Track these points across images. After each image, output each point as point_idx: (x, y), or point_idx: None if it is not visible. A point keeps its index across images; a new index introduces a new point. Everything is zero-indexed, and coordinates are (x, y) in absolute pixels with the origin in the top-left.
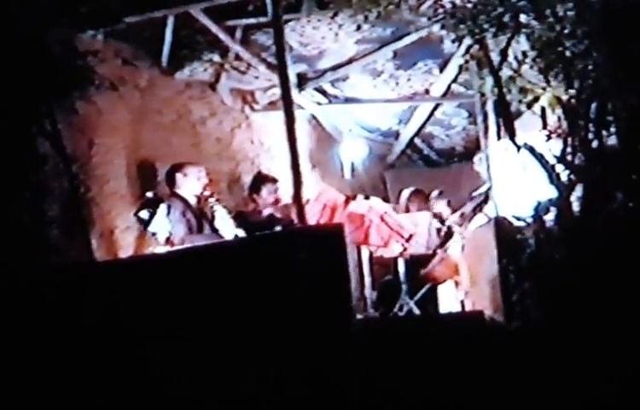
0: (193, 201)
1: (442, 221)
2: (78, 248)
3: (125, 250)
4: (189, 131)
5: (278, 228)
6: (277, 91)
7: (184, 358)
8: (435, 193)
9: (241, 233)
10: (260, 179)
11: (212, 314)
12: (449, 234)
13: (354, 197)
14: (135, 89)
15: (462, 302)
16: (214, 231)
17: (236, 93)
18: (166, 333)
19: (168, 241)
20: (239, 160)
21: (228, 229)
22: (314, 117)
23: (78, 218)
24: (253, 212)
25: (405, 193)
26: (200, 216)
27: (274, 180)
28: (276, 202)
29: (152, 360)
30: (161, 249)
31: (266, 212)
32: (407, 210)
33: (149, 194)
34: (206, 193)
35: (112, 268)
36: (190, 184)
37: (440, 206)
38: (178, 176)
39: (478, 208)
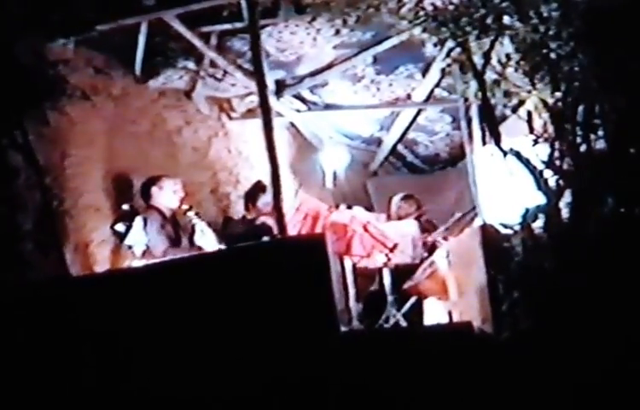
0: (169, 214)
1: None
2: (52, 264)
3: (101, 265)
4: (164, 141)
5: (265, 238)
6: (255, 99)
7: (164, 377)
8: (398, 196)
9: (223, 247)
10: (258, 189)
11: (191, 329)
12: (434, 247)
13: (336, 207)
14: (108, 98)
15: (450, 313)
16: (193, 244)
17: (212, 101)
18: (145, 351)
19: (145, 254)
20: (216, 170)
21: (209, 243)
22: (293, 125)
23: (51, 232)
24: (241, 220)
25: (396, 199)
26: (177, 229)
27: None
28: (270, 213)
29: (131, 380)
30: (138, 263)
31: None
32: (399, 217)
33: (125, 206)
34: (184, 207)
35: (88, 283)
36: (166, 198)
37: (405, 209)
38: (154, 189)
39: (464, 225)
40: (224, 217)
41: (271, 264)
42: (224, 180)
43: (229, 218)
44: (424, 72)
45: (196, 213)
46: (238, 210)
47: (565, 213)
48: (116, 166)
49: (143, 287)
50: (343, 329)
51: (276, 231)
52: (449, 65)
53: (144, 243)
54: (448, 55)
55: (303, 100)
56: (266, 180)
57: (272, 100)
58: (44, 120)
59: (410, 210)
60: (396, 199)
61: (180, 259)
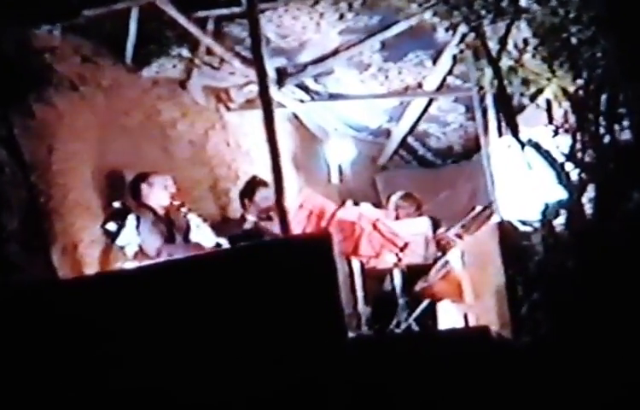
0: (161, 212)
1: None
2: (38, 266)
3: (91, 266)
4: (158, 135)
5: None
6: (254, 88)
7: (161, 388)
8: (397, 195)
9: (223, 242)
10: (255, 184)
11: (189, 335)
12: (448, 246)
13: (343, 204)
14: (98, 89)
15: (465, 317)
16: (188, 242)
17: (209, 91)
18: (141, 361)
19: (138, 255)
20: (214, 164)
21: (205, 238)
22: (296, 116)
23: (38, 231)
24: (239, 219)
25: (394, 198)
26: (170, 227)
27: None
28: (269, 208)
29: (125, 394)
30: (131, 264)
31: (251, 219)
32: (397, 217)
33: (117, 204)
34: (176, 202)
35: (77, 286)
36: (157, 195)
37: (404, 209)
38: (143, 186)
39: (482, 222)
40: (221, 218)
41: (273, 265)
42: (222, 176)
43: (226, 219)
44: (435, 59)
45: (189, 209)
46: (238, 207)
47: (587, 208)
48: (107, 162)
49: (137, 290)
50: (351, 334)
51: (275, 234)
52: (462, 51)
53: (137, 243)
54: (461, 40)
55: (306, 89)
56: (267, 175)
57: (273, 90)
58: (30, 112)
59: (410, 210)
60: (394, 198)
61: (177, 260)
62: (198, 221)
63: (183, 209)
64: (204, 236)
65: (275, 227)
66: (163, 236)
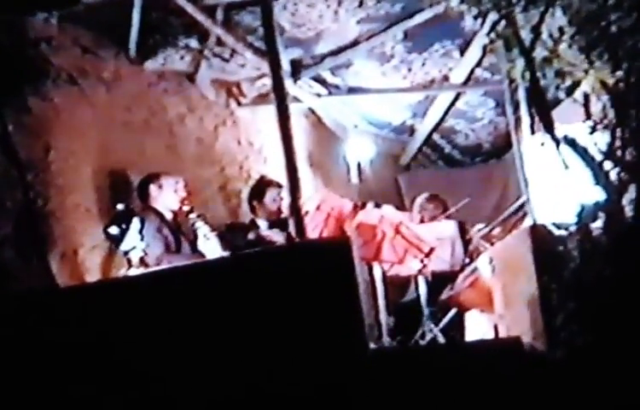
0: (169, 216)
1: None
2: (35, 273)
3: (93, 274)
4: (163, 132)
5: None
6: (268, 82)
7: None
8: (422, 197)
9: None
10: (264, 184)
11: (198, 348)
12: (477, 251)
13: (363, 205)
14: (98, 82)
15: (496, 328)
16: (195, 251)
17: (219, 85)
18: (145, 376)
19: (143, 261)
20: (224, 164)
21: (211, 250)
22: (312, 111)
23: (34, 236)
24: (248, 225)
25: (419, 200)
26: (177, 234)
27: (279, 185)
28: (279, 211)
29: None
30: (136, 272)
31: (262, 224)
32: (421, 220)
33: (120, 206)
34: (185, 208)
35: (77, 295)
36: (166, 198)
37: (430, 212)
38: (152, 188)
39: (513, 225)
40: (226, 225)
41: (288, 272)
42: (233, 176)
43: (232, 225)
44: (463, 49)
45: (199, 216)
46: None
47: (628, 210)
48: (108, 161)
49: (142, 299)
50: (372, 346)
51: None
52: (492, 41)
53: (142, 249)
54: (491, 29)
55: (323, 83)
56: (281, 175)
57: (288, 83)
58: (25, 107)
59: (436, 213)
60: (419, 200)
61: (184, 266)
62: (206, 230)
63: (192, 216)
64: (210, 248)
65: (284, 235)
66: (167, 242)
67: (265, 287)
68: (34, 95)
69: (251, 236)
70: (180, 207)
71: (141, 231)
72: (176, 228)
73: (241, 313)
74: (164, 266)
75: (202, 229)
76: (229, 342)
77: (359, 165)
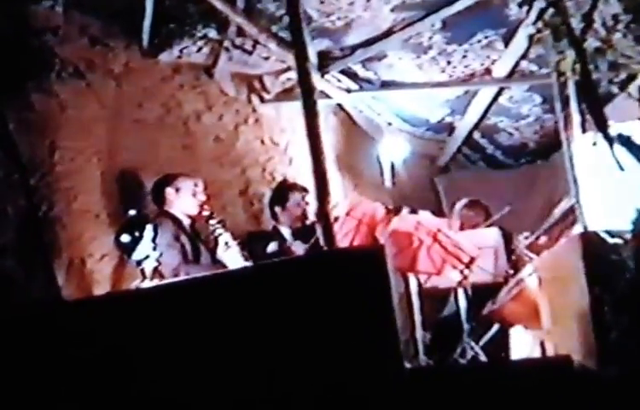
0: (187, 222)
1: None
2: (40, 284)
3: (102, 285)
4: (179, 130)
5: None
6: (293, 76)
7: None
8: (462, 202)
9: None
10: (286, 188)
11: (217, 365)
12: (522, 261)
13: (397, 211)
14: (108, 76)
15: (542, 344)
16: (215, 261)
17: (240, 79)
18: (157, 397)
19: (157, 272)
20: (245, 165)
21: (232, 260)
22: (342, 108)
23: (38, 244)
24: (271, 232)
25: (458, 205)
26: (196, 241)
27: (303, 189)
28: (304, 217)
29: None
30: (149, 283)
31: (285, 231)
32: (461, 227)
33: (132, 212)
34: (205, 213)
35: (85, 309)
36: (184, 202)
37: (470, 219)
38: (169, 191)
39: (562, 232)
40: (248, 233)
41: (317, 284)
42: (255, 178)
43: (256, 234)
44: (507, 40)
45: (220, 222)
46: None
47: None
48: (119, 162)
49: (156, 313)
50: (407, 364)
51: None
52: (539, 30)
53: (157, 258)
54: (538, 18)
55: (354, 77)
56: (307, 178)
57: (315, 77)
58: (28, 104)
59: (477, 219)
60: (458, 206)
61: (202, 277)
62: (227, 237)
63: (212, 222)
64: (231, 257)
65: (308, 246)
66: (184, 252)
67: (292, 301)
68: (37, 90)
69: (273, 246)
70: (199, 213)
71: (154, 239)
72: (194, 235)
73: (265, 330)
74: (181, 277)
75: (223, 236)
76: (253, 363)
77: (393, 166)
